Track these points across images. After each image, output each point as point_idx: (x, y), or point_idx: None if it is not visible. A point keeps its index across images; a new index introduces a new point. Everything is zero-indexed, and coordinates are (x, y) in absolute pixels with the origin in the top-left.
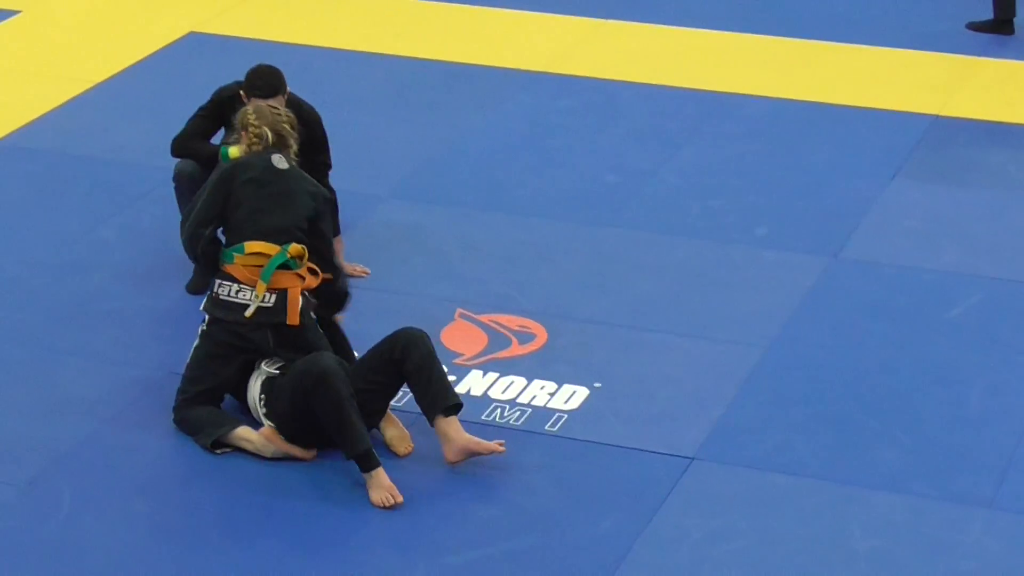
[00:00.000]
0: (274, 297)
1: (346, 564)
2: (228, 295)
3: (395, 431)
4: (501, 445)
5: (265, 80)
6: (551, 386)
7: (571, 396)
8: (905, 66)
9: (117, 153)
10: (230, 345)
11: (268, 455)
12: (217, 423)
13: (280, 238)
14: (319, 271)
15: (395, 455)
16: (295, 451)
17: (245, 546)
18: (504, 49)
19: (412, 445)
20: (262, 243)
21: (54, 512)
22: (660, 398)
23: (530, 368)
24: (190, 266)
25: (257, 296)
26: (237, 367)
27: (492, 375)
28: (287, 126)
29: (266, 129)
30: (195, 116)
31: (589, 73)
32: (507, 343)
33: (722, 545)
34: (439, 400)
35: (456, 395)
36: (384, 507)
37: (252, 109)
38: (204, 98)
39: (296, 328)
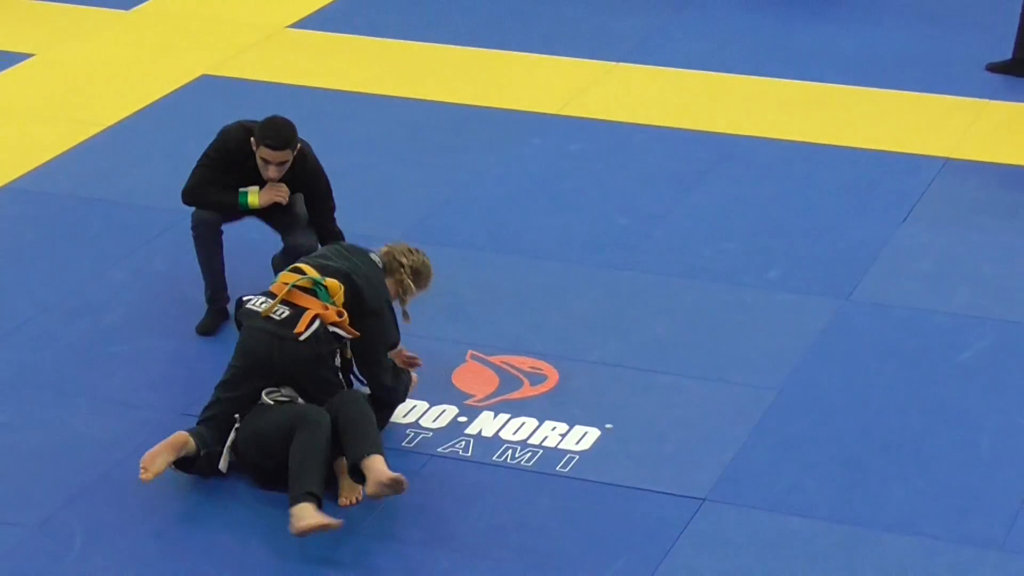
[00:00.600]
0: (288, 312)
1: None
2: (252, 304)
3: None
4: (402, 480)
5: (279, 133)
6: (562, 427)
7: (582, 437)
8: (917, 109)
9: (129, 196)
10: (245, 354)
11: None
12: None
13: (325, 272)
14: (345, 322)
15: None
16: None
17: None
18: (516, 92)
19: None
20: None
21: (66, 553)
22: (672, 439)
23: (542, 409)
24: (202, 307)
25: (276, 299)
26: (250, 388)
27: (503, 416)
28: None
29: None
30: (201, 164)
31: (601, 116)
32: (519, 384)
33: None
34: (365, 445)
35: (377, 446)
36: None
37: (408, 264)
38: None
39: (306, 353)
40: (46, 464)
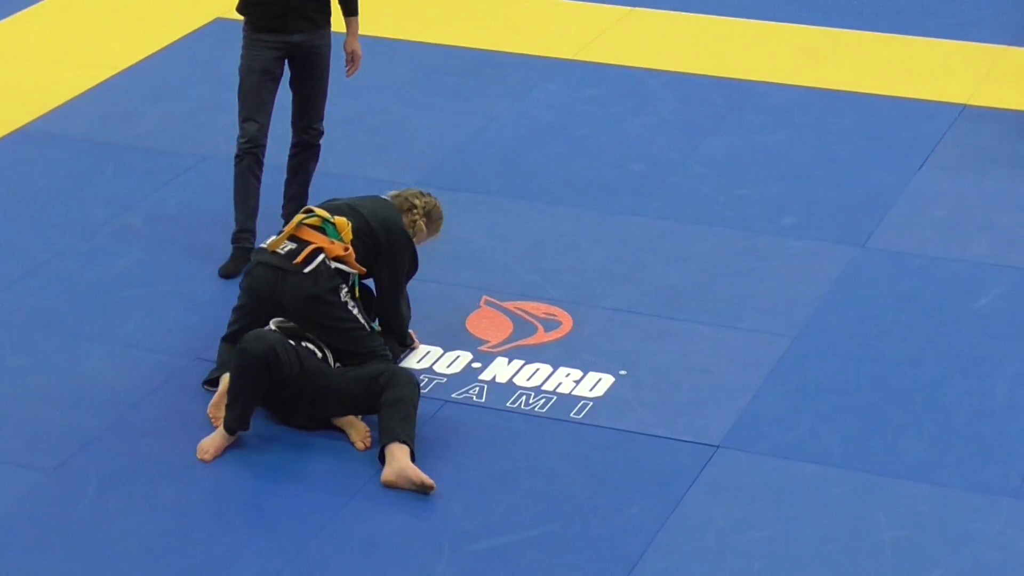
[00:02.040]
0: (293, 246)
1: (371, 550)
2: (265, 241)
3: (354, 430)
4: (432, 487)
5: None
6: (576, 373)
7: (596, 384)
8: (933, 55)
9: (143, 140)
10: (249, 289)
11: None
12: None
13: (334, 212)
14: (350, 256)
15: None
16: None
17: (269, 531)
18: (531, 37)
19: (370, 441)
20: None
21: (80, 497)
22: (686, 387)
23: (556, 355)
24: (216, 252)
25: (283, 233)
26: (257, 319)
27: (517, 362)
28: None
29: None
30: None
31: (616, 61)
32: (533, 330)
33: (747, 533)
34: (400, 431)
35: (413, 438)
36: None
37: (420, 205)
38: (231, 85)
39: (308, 287)
40: (61, 408)
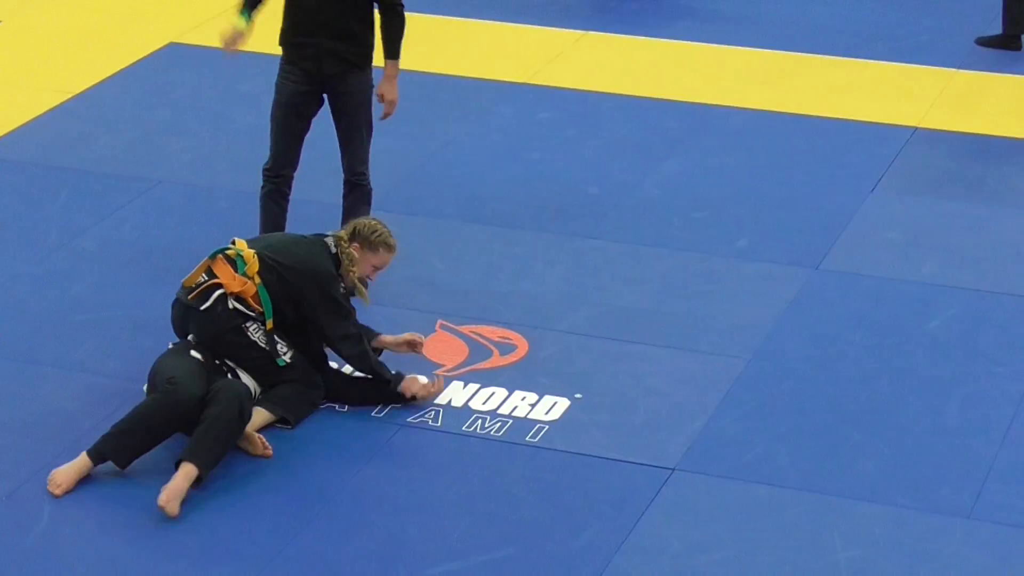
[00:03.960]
0: (202, 279)
1: (328, 575)
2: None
3: (251, 445)
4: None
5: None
6: (532, 397)
7: (552, 407)
8: (885, 78)
9: (97, 164)
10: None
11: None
12: None
13: (251, 245)
14: (246, 292)
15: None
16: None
17: (222, 558)
18: (486, 61)
19: (270, 451)
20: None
21: (34, 523)
22: (641, 409)
23: (511, 379)
24: (170, 276)
25: (199, 267)
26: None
27: (473, 386)
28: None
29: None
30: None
31: (571, 85)
32: (488, 354)
33: (703, 556)
34: (193, 449)
35: (202, 458)
36: None
37: (350, 231)
38: (185, 109)
39: (208, 324)
40: (14, 435)
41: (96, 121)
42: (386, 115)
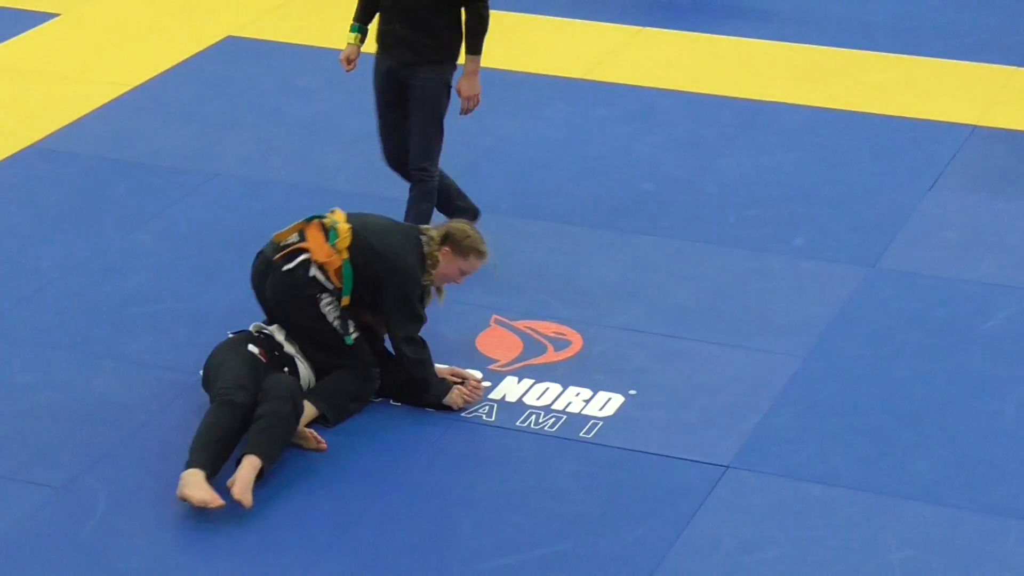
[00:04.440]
0: (293, 239)
1: (380, 570)
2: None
3: (304, 441)
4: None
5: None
6: (586, 393)
7: (606, 403)
8: (944, 76)
9: (154, 157)
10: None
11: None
12: None
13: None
14: (330, 266)
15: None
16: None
17: (277, 551)
18: (543, 56)
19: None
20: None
21: (89, 514)
22: (695, 406)
23: (565, 375)
24: (226, 270)
25: (292, 227)
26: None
27: (527, 381)
28: None
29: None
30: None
31: (627, 81)
32: (542, 350)
33: (756, 554)
34: (254, 443)
35: (265, 450)
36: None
37: (441, 234)
38: (240, 102)
39: (283, 286)
40: (70, 425)
41: (153, 114)
42: (464, 111)
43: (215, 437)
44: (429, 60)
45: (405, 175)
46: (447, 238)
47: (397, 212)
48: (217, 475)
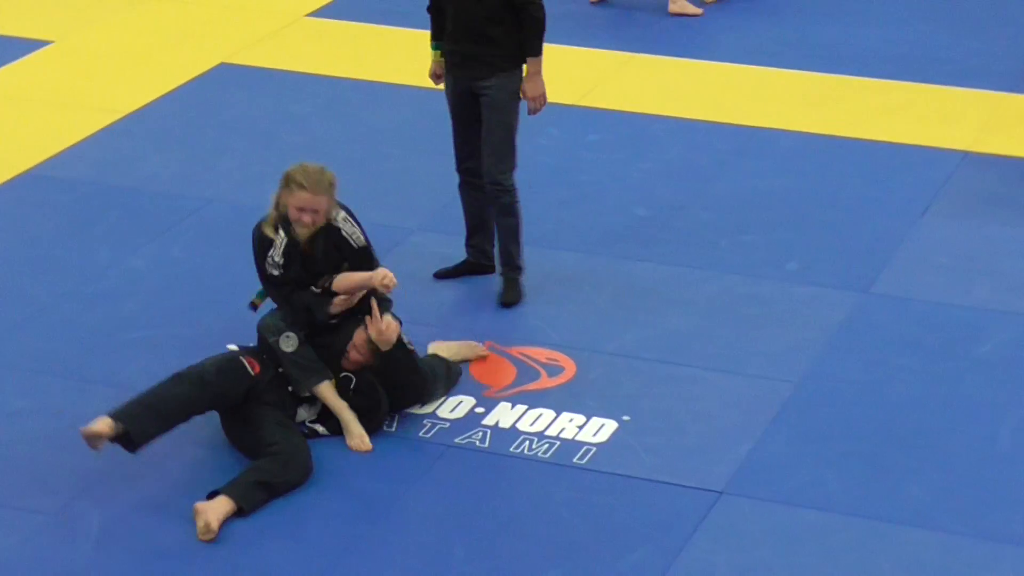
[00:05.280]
0: None
1: None
2: None
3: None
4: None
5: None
6: (580, 419)
7: (599, 429)
8: (936, 102)
9: (148, 183)
10: None
11: None
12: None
13: None
14: None
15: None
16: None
17: (271, 575)
18: None
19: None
20: None
21: (83, 540)
22: (689, 432)
23: (559, 401)
24: (221, 295)
25: None
26: None
27: (521, 407)
28: None
29: None
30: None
31: (620, 107)
32: (536, 376)
33: None
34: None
35: (245, 497)
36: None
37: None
38: (234, 129)
39: None
40: (65, 451)
41: (147, 141)
42: (532, 111)
43: (147, 397)
44: (497, 70)
45: (472, 175)
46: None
47: (394, 239)
48: (132, 431)
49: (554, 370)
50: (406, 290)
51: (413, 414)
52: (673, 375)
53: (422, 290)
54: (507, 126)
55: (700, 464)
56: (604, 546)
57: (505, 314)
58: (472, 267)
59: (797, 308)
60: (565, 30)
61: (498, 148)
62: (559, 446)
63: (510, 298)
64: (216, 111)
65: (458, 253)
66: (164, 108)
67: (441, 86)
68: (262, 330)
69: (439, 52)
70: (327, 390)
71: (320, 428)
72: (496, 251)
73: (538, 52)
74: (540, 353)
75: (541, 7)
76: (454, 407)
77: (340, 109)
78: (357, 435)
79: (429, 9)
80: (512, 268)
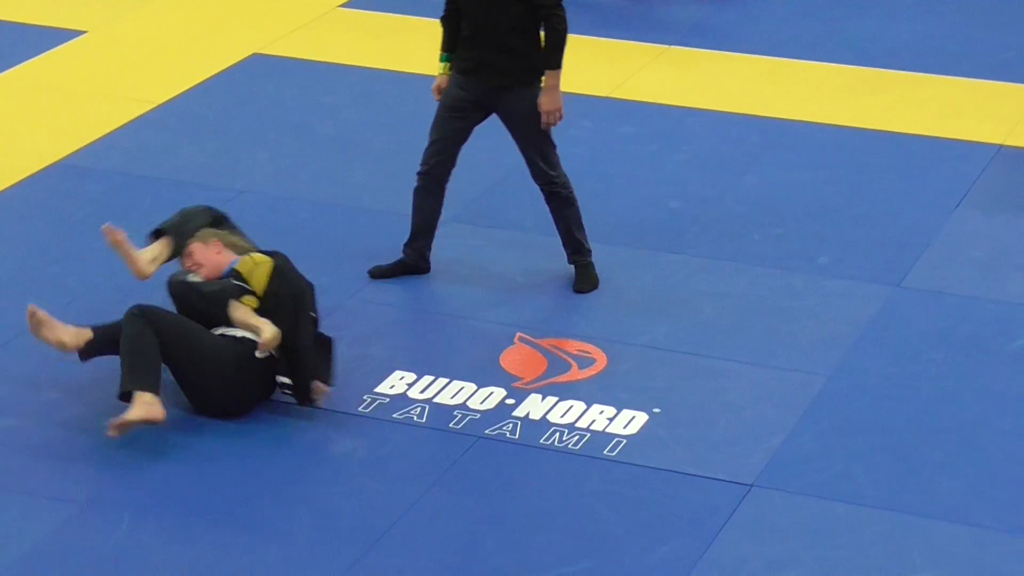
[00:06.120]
0: None
1: None
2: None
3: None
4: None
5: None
6: (610, 411)
7: (630, 421)
8: (970, 95)
9: (180, 173)
10: None
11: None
12: None
13: None
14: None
15: None
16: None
17: (300, 567)
18: (568, 74)
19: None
20: None
21: (114, 529)
22: (720, 425)
23: (589, 393)
24: None
25: None
26: None
27: (551, 399)
28: None
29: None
30: None
31: (653, 99)
32: (567, 367)
33: (780, 573)
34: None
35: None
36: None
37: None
38: (267, 119)
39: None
40: (95, 439)
41: (179, 131)
42: (545, 125)
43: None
44: (520, 83)
45: (433, 180)
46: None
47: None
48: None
49: (585, 362)
50: (439, 281)
51: (443, 404)
52: (704, 368)
53: (454, 282)
54: (543, 133)
55: (731, 457)
56: (634, 538)
57: (536, 306)
58: (408, 268)
59: (829, 301)
60: (598, 22)
61: (540, 156)
62: (589, 438)
63: (587, 285)
64: (248, 102)
65: (488, 244)
66: (196, 98)
67: (440, 98)
68: (172, 281)
69: (447, 65)
70: (238, 310)
71: (283, 379)
72: (561, 242)
73: (557, 65)
74: (571, 345)
75: (564, 20)
76: (484, 398)
77: (372, 100)
78: (269, 332)
79: (443, 19)
80: (583, 254)
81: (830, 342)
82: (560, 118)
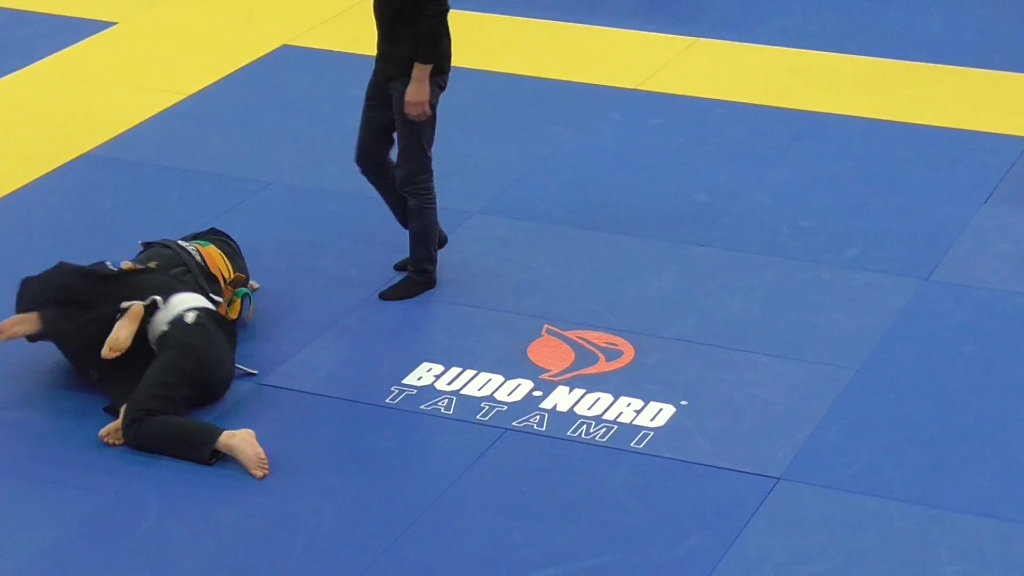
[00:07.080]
0: None
1: None
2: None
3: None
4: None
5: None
6: (637, 403)
7: (657, 414)
8: (1000, 88)
9: (208, 165)
10: None
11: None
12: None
13: None
14: None
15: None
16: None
17: (327, 558)
18: (597, 66)
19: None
20: None
21: (141, 520)
22: (747, 418)
23: (617, 385)
24: (277, 276)
25: None
26: None
27: (578, 391)
28: None
29: None
30: None
31: (681, 91)
32: (594, 360)
33: (807, 567)
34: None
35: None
36: None
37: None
38: (295, 111)
39: None
40: None
41: (208, 122)
42: (409, 116)
43: None
44: (405, 73)
45: (369, 173)
46: None
47: (454, 222)
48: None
49: (612, 354)
50: (467, 273)
51: (470, 396)
52: (732, 360)
53: (481, 273)
54: (415, 133)
55: (758, 450)
56: (661, 531)
57: (564, 298)
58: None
59: (857, 294)
60: (627, 14)
61: (407, 148)
62: (616, 430)
63: (391, 292)
64: (278, 93)
65: (515, 236)
66: (226, 90)
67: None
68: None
69: None
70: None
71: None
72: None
73: (426, 60)
74: (598, 337)
75: (438, 13)
76: (512, 390)
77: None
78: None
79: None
80: (414, 269)
81: (858, 335)
82: (425, 113)
